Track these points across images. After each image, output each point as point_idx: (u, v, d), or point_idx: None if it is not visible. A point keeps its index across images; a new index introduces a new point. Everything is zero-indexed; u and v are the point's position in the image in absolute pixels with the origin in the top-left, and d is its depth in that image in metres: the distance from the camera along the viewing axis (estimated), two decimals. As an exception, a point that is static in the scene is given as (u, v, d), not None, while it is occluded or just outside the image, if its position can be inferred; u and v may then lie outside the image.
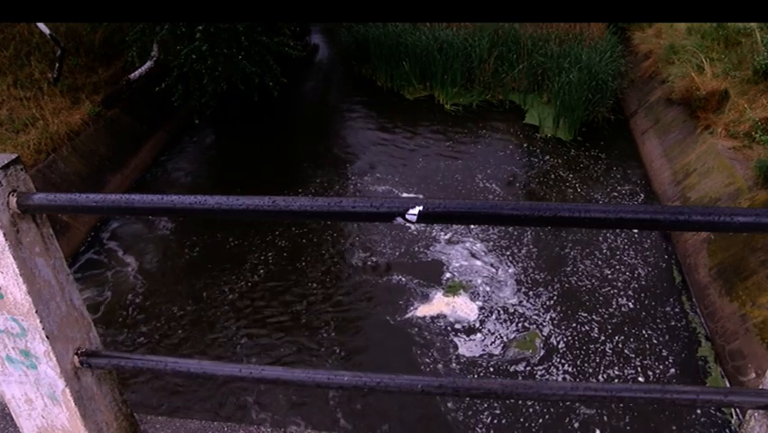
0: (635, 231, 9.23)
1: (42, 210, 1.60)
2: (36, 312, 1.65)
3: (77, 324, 1.83)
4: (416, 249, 9.14)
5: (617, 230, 9.10)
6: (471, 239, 9.29)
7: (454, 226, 9.43)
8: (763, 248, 7.21)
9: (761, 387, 1.67)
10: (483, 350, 7.38)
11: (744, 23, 11.30)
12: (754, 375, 6.34)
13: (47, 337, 1.70)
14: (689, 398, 1.72)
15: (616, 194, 10.60)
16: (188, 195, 1.49)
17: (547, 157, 11.78)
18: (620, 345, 7.42)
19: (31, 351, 1.73)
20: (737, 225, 1.30)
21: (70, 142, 10.14)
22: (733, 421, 6.36)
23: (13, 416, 1.94)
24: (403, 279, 8.57)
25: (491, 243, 9.21)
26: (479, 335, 7.60)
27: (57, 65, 11.08)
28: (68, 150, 10.04)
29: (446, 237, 9.34)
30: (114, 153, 11.00)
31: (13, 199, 1.53)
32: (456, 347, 7.42)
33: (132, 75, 11.71)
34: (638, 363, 7.17)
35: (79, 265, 9.02)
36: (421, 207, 1.34)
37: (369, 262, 8.96)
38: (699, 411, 6.49)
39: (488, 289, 8.35)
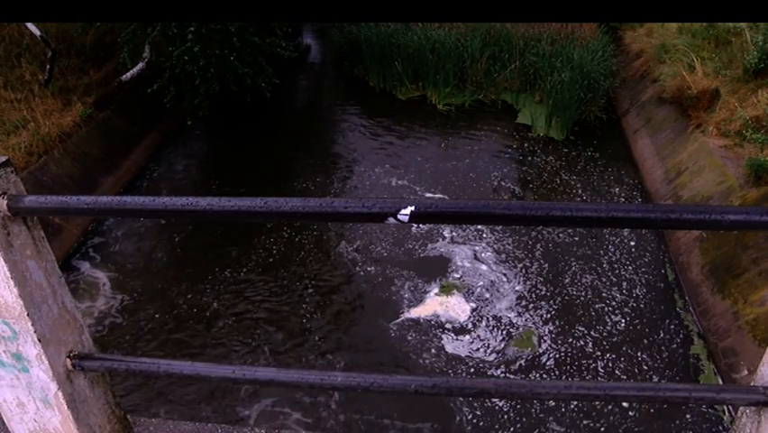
0: (629, 230, 9.27)
1: (33, 213, 1.59)
2: (28, 315, 1.64)
3: (69, 327, 1.82)
4: (418, 246, 9.16)
5: (610, 229, 9.14)
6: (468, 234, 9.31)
7: (463, 232, 9.44)
8: (754, 246, 7.25)
9: (752, 384, 1.68)
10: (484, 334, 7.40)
11: (734, 22, 11.35)
12: (746, 372, 6.38)
13: (39, 340, 1.68)
14: (681, 396, 1.72)
15: (608, 192, 10.64)
16: (180, 196, 1.48)
17: (540, 156, 11.81)
18: (614, 343, 7.45)
19: (22, 354, 1.72)
20: (728, 223, 1.30)
21: (62, 144, 10.09)
22: (725, 418, 6.40)
23: (5, 420, 1.93)
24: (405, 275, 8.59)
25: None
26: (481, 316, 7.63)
27: (48, 67, 11.01)
28: (60, 152, 9.98)
29: (449, 237, 9.36)
30: (106, 155, 10.94)
31: (4, 202, 1.52)
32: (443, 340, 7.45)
33: (124, 76, 11.65)
34: (632, 361, 7.20)
35: (72, 267, 8.98)
36: (413, 208, 1.34)
37: (372, 255, 8.97)
38: (692, 409, 6.53)
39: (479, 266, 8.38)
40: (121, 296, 8.44)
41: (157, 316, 8.06)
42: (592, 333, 7.62)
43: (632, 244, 9.16)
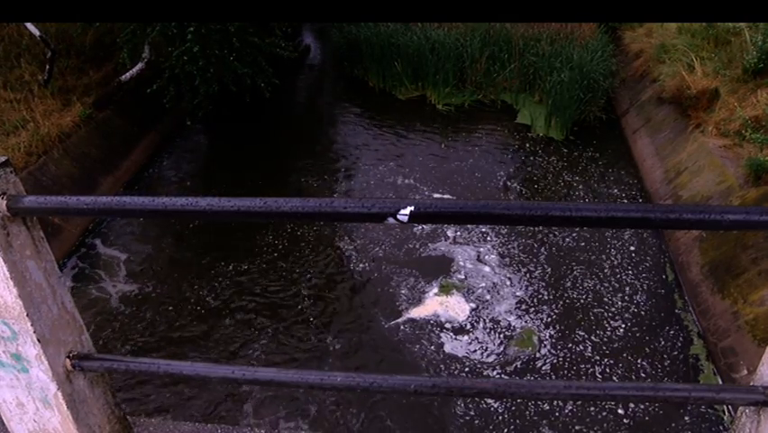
0: (629, 230, 9.27)
1: (33, 213, 1.59)
2: (27, 315, 1.64)
3: (68, 327, 1.82)
4: (420, 246, 9.16)
5: (609, 229, 9.15)
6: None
7: (468, 234, 9.45)
8: (754, 246, 7.25)
9: (752, 384, 1.68)
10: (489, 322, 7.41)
11: (734, 22, 11.35)
12: (745, 372, 6.38)
13: (38, 341, 1.69)
14: (681, 395, 1.73)
15: (608, 193, 10.64)
16: (180, 197, 1.48)
17: (540, 156, 11.81)
18: (613, 343, 7.45)
19: (22, 354, 1.72)
20: (727, 223, 1.30)
21: (61, 144, 10.09)
22: (725, 418, 6.40)
23: (5, 420, 1.93)
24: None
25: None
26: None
27: (47, 67, 11.01)
28: (60, 152, 9.98)
29: (452, 237, 9.37)
30: (105, 155, 10.94)
31: (3, 202, 1.52)
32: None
33: (124, 77, 11.65)
34: (631, 360, 7.20)
35: (71, 268, 8.98)
36: (412, 208, 1.34)
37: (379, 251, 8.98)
38: (692, 409, 6.52)
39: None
40: (125, 288, 8.46)
41: (161, 308, 8.07)
42: (588, 329, 7.62)
43: (632, 243, 9.16)
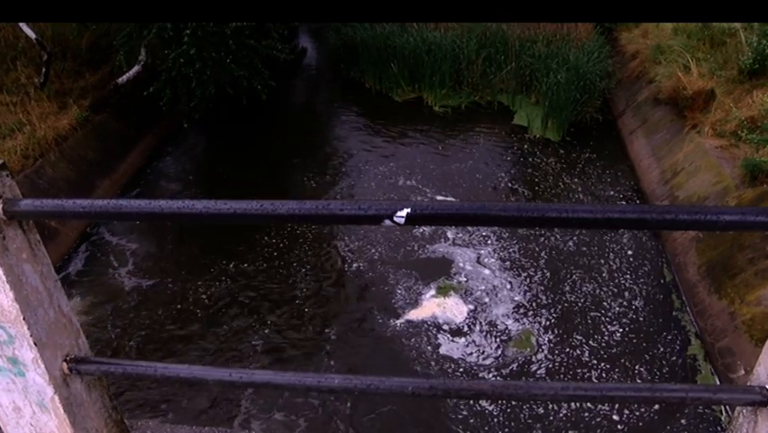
0: (627, 233, 9.28)
1: (29, 216, 1.59)
2: (24, 319, 1.63)
3: (65, 330, 1.81)
4: (419, 247, 9.17)
5: (608, 233, 9.17)
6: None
7: (468, 237, 9.45)
8: (750, 246, 7.27)
9: (749, 384, 1.68)
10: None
11: (729, 23, 11.39)
12: (743, 372, 6.39)
13: (35, 344, 1.68)
14: (678, 396, 1.72)
15: (605, 193, 10.65)
16: (176, 200, 1.48)
17: (536, 157, 11.82)
18: (611, 343, 7.46)
19: (18, 358, 1.72)
20: (723, 223, 1.30)
21: (58, 147, 10.07)
22: (723, 418, 6.40)
23: (1, 425, 1.92)
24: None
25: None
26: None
27: (43, 69, 10.99)
28: (56, 155, 9.96)
29: (452, 238, 9.37)
30: (102, 158, 10.92)
31: (0, 206, 1.52)
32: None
33: (120, 79, 11.64)
34: (628, 362, 7.20)
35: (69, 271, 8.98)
36: (409, 210, 1.34)
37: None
38: (689, 409, 6.53)
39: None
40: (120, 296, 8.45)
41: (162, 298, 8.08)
42: (589, 339, 7.62)
43: (630, 246, 9.17)
